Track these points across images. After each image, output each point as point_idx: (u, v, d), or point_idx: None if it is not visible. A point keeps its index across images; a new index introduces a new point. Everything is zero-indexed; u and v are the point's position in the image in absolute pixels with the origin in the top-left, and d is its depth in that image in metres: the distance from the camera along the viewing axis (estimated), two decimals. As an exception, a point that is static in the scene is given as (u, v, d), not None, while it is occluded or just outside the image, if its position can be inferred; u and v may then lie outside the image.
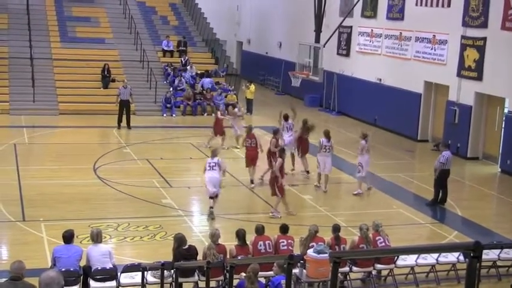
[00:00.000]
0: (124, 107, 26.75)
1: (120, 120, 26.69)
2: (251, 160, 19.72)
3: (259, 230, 12.61)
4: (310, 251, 11.85)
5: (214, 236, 12.13)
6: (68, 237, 11.45)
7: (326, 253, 11.52)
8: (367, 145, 19.48)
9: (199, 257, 12.19)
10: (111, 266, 11.69)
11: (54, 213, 16.37)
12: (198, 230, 15.73)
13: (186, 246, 12.01)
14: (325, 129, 20.16)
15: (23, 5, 34.54)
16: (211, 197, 16.59)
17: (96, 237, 11.81)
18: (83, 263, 11.66)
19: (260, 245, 12.29)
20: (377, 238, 12.99)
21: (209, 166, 16.64)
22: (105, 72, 31.09)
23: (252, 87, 31.89)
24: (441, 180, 18.57)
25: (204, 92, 31.68)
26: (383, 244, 12.94)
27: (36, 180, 19.12)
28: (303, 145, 21.15)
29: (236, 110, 24.98)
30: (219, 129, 23.85)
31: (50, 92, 30.10)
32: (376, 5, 30.33)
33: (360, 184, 19.47)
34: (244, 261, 11.44)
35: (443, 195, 18.78)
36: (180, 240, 12.06)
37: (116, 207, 17.38)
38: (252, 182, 19.65)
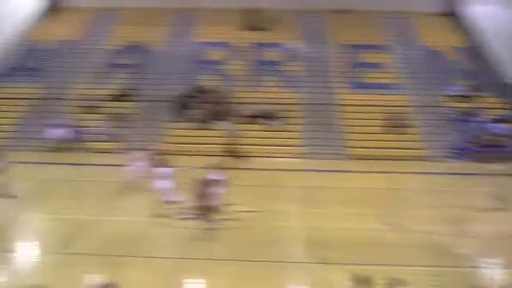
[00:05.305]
0: None
1: None
2: None
3: None
4: None
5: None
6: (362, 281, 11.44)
7: None
8: None
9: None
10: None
11: (349, 257, 16.58)
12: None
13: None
14: None
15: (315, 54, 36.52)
16: None
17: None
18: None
19: None
20: None
21: None
22: (393, 119, 31.13)
23: None
24: None
25: (497, 138, 30.32)
26: None
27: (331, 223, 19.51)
28: None
29: None
30: None
31: (338, 137, 30.87)
32: None
33: None
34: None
35: None
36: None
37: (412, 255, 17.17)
38: None
